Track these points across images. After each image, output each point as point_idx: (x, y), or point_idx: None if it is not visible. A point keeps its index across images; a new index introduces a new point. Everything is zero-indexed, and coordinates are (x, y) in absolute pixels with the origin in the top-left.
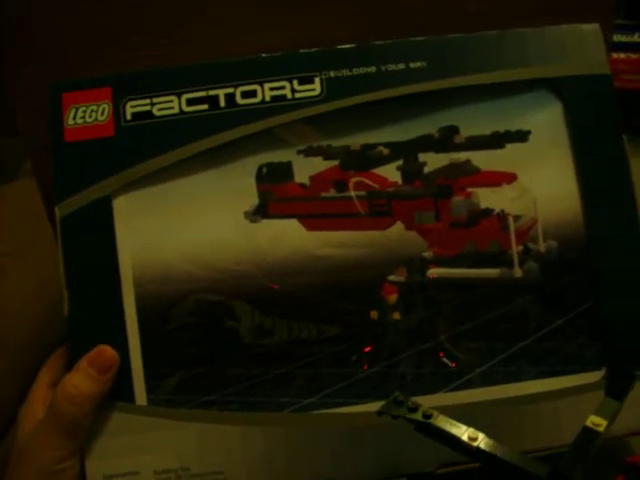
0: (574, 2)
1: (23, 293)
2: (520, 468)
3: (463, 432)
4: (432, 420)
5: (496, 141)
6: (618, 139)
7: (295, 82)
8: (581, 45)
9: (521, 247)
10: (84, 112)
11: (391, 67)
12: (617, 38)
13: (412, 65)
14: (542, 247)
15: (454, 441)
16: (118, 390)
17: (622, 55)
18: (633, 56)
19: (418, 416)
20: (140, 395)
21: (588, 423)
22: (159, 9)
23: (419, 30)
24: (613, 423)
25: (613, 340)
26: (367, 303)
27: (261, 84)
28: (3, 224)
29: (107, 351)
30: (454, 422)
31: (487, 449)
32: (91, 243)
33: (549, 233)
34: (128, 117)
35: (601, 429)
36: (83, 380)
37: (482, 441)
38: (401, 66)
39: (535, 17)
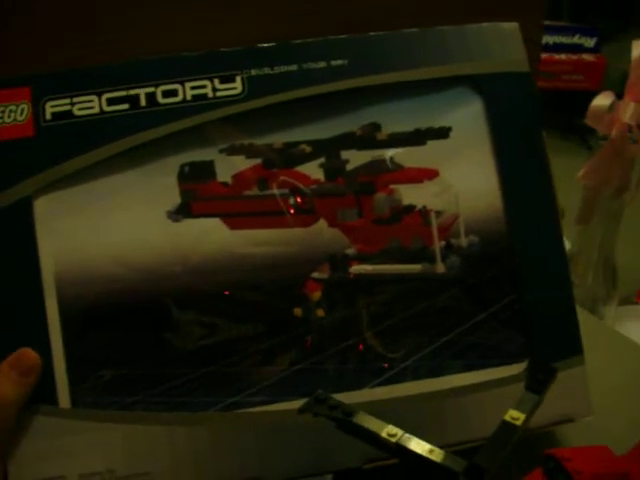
0: (501, 2)
1: None
2: (437, 463)
3: (382, 429)
4: (352, 418)
5: (418, 138)
6: (538, 135)
7: (216, 81)
8: (501, 43)
9: (443, 242)
10: (2, 112)
11: (312, 65)
12: (558, 39)
13: (333, 63)
14: (464, 242)
15: (373, 437)
16: (41, 393)
17: (563, 56)
18: (573, 57)
19: (338, 414)
20: (63, 398)
21: (506, 417)
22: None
23: (350, 28)
24: (532, 416)
25: (534, 333)
26: (291, 300)
27: (182, 83)
28: None
29: (29, 354)
30: (374, 419)
31: (405, 445)
32: (12, 244)
33: (471, 228)
34: (48, 117)
35: (519, 423)
36: (4, 384)
37: (400, 437)
38: (322, 64)
39: (462, 16)
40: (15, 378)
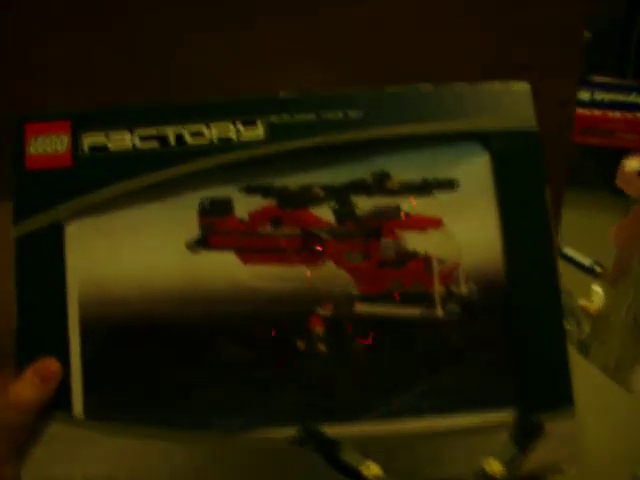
0: (537, 62)
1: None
2: None
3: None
4: (340, 453)
5: (425, 188)
6: (541, 193)
7: (239, 125)
8: (512, 102)
9: (444, 289)
10: (45, 142)
11: (330, 115)
12: (614, 97)
13: (350, 114)
14: (463, 290)
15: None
16: (57, 400)
17: (618, 114)
18: (629, 116)
19: (327, 448)
20: (77, 407)
21: (487, 467)
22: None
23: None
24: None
25: (524, 383)
26: (295, 334)
27: (208, 125)
28: None
29: (51, 362)
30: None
31: None
32: (42, 263)
33: (471, 277)
34: (85, 149)
35: (499, 477)
36: (26, 388)
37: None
38: (340, 114)
39: (495, 74)
40: (37, 383)
